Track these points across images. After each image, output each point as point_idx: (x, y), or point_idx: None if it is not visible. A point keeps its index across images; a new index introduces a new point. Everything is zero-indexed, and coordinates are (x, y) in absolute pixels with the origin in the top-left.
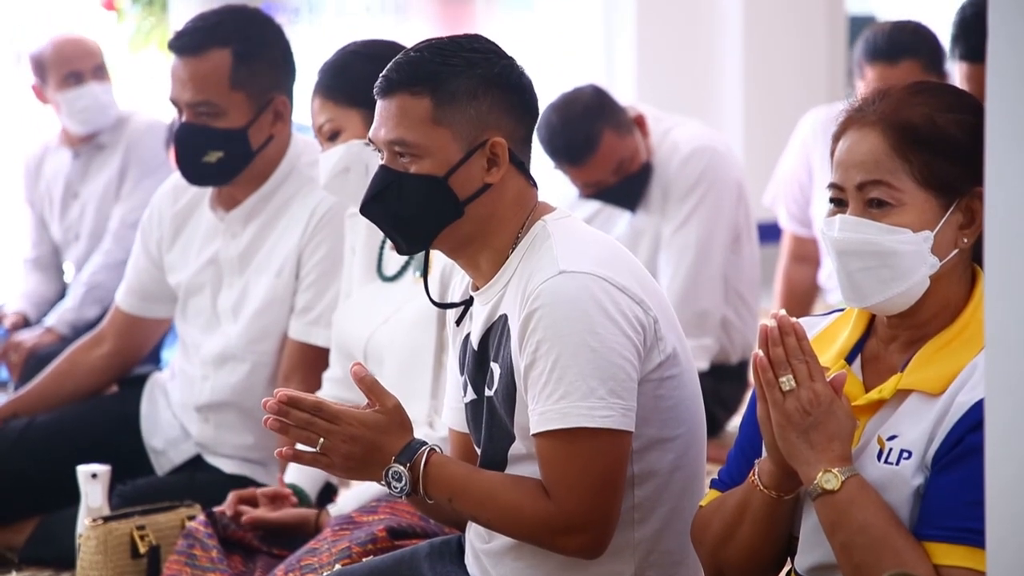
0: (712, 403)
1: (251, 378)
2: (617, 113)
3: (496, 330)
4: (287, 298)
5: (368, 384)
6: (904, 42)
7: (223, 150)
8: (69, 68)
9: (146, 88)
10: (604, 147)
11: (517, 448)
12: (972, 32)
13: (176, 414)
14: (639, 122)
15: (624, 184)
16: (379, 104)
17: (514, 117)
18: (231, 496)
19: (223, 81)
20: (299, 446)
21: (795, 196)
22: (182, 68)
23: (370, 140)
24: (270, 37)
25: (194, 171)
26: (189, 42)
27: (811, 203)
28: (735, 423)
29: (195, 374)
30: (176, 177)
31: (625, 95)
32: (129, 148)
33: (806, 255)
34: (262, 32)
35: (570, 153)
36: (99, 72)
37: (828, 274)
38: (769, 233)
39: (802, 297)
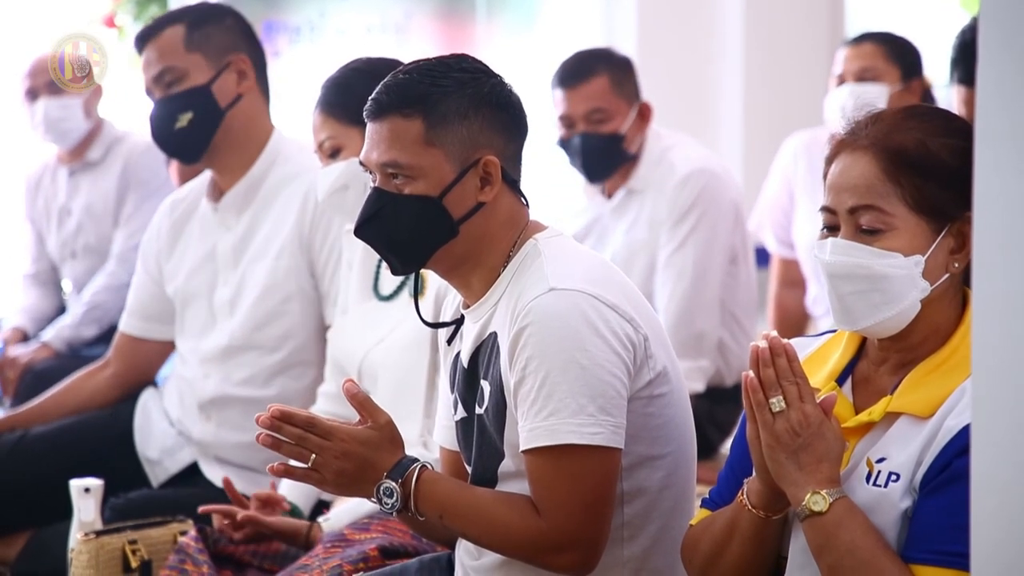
0: (707, 425)
1: (256, 368)
2: (628, 78)
3: (486, 348)
4: (289, 282)
5: (360, 400)
6: (870, 33)
7: (191, 110)
8: (27, 84)
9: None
10: (595, 83)
11: (507, 466)
12: (971, 56)
13: (174, 421)
14: (644, 111)
15: (589, 141)
16: (370, 127)
17: (505, 135)
18: (215, 516)
19: (178, 46)
20: (291, 461)
21: (779, 220)
22: (145, 55)
23: (362, 163)
24: (220, 9)
25: (171, 141)
26: (145, 31)
27: (792, 226)
28: (729, 445)
29: (195, 376)
30: (174, 193)
31: None
32: (127, 169)
33: (795, 279)
34: (212, 8)
35: (564, 74)
36: (53, 87)
37: (813, 299)
38: (766, 256)
39: (795, 321)
